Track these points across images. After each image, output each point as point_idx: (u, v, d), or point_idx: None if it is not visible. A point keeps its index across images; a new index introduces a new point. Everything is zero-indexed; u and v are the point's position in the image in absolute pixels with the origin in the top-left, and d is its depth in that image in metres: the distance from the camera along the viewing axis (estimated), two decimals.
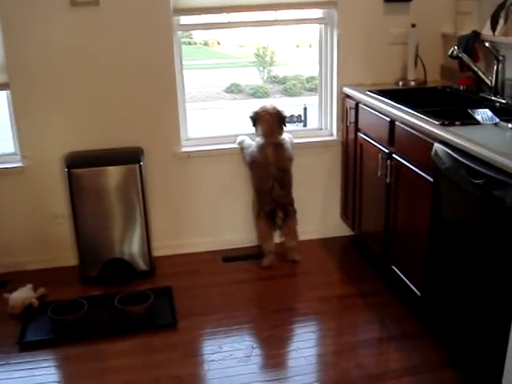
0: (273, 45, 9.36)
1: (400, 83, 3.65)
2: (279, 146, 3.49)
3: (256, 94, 9.87)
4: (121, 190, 3.34)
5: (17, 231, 3.57)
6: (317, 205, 3.92)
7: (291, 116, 8.30)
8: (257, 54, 9.76)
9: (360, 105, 3.44)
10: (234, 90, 9.98)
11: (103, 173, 3.30)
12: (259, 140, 3.50)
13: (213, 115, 9.33)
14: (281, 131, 3.54)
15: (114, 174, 3.31)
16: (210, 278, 3.48)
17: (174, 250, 3.75)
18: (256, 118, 3.55)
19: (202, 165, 3.68)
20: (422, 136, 2.69)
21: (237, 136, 3.72)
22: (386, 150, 3.09)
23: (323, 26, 3.71)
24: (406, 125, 2.85)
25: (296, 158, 3.59)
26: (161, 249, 3.69)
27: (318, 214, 3.94)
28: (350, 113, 3.57)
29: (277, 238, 3.68)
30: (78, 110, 3.45)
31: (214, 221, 3.81)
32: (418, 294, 2.87)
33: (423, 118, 2.72)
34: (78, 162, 3.32)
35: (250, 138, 3.65)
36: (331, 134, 3.87)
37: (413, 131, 2.78)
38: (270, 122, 3.50)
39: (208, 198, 3.76)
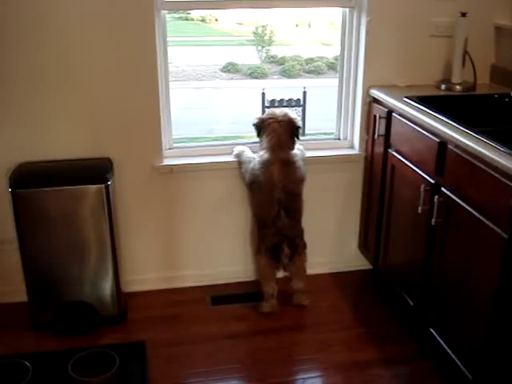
0: (272, 23, 8.72)
1: (442, 86, 2.89)
2: (289, 164, 2.73)
3: (253, 74, 9.37)
4: (81, 216, 2.57)
5: None
6: (329, 232, 3.19)
7: (289, 100, 7.75)
8: (255, 33, 9.22)
9: (394, 114, 2.69)
10: (230, 69, 9.45)
11: (58, 194, 2.52)
12: (263, 154, 2.74)
13: (208, 95, 8.69)
14: (292, 145, 2.78)
15: (72, 196, 2.54)
16: (194, 329, 2.75)
17: (153, 285, 3.04)
18: (261, 127, 2.79)
19: (189, 182, 2.93)
20: (491, 172, 1.95)
21: (234, 146, 2.96)
22: (432, 180, 2.34)
23: (348, 10, 2.94)
24: (465, 152, 2.10)
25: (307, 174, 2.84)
26: (136, 283, 2.99)
27: (331, 243, 3.21)
28: (379, 123, 2.82)
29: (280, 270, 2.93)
30: (29, 106, 2.67)
31: (202, 250, 3.07)
32: (469, 376, 2.15)
33: (493, 146, 1.98)
34: (25, 180, 2.54)
35: (251, 149, 2.89)
36: (352, 147, 3.11)
37: (476, 162, 2.04)
38: (278, 133, 2.74)
39: (195, 223, 3.02)
